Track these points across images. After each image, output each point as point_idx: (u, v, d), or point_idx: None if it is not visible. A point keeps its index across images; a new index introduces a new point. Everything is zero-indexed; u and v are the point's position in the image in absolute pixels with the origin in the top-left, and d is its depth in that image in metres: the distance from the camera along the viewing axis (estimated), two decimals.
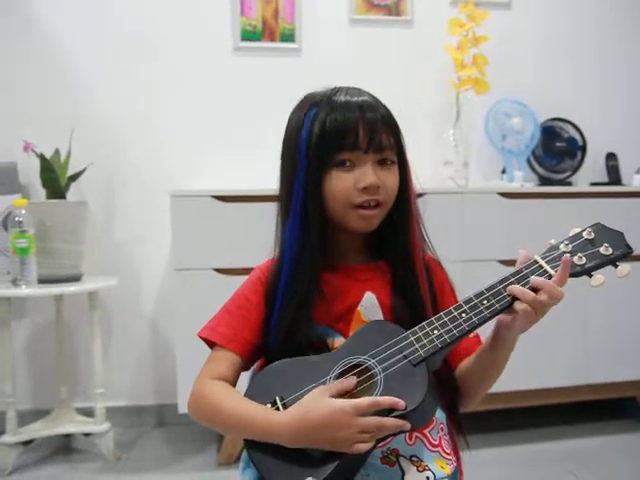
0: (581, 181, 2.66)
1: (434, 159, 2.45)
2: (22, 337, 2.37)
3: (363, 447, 0.79)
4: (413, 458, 0.87)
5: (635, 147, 2.71)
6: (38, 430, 2.11)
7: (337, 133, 0.89)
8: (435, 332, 0.84)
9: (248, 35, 2.47)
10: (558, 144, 2.65)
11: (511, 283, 0.84)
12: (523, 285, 0.83)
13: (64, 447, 2.24)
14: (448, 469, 0.89)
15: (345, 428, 0.78)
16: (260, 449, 0.84)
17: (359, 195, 0.90)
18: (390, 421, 0.79)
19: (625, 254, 0.84)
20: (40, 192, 2.18)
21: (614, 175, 2.66)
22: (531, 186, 2.40)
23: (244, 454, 0.91)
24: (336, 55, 2.47)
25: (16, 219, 1.95)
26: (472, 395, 0.96)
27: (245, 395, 0.89)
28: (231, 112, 2.44)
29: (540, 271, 0.85)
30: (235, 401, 0.88)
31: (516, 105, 2.53)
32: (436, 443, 0.91)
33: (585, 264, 0.84)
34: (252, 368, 0.99)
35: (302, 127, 0.92)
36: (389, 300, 0.94)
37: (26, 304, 2.36)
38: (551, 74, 2.66)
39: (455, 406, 0.96)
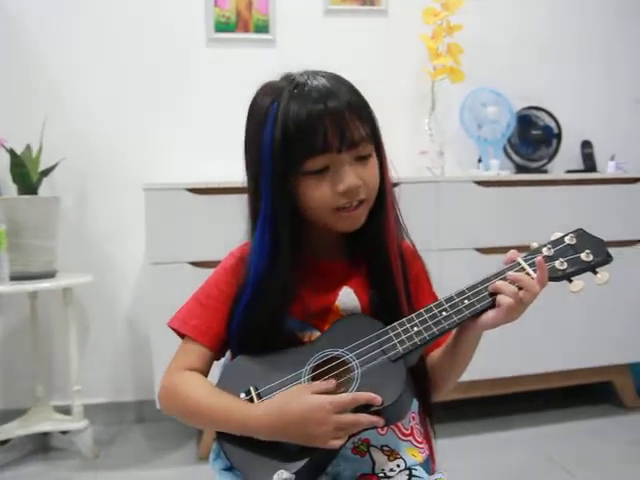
0: (557, 169, 2.68)
1: (410, 148, 2.45)
2: None
3: (337, 443, 0.78)
4: (384, 448, 0.87)
5: (610, 135, 2.73)
6: (14, 429, 2.08)
7: (303, 138, 0.82)
8: (415, 329, 0.84)
9: (222, 26, 2.45)
10: (534, 132, 2.66)
11: (493, 284, 0.84)
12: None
13: (42, 446, 2.22)
14: (420, 457, 0.89)
15: (321, 425, 0.77)
16: (232, 441, 0.84)
17: (340, 198, 0.85)
18: (365, 417, 0.78)
19: (605, 261, 0.85)
20: (11, 187, 2.14)
21: (589, 163, 2.68)
22: (507, 174, 2.41)
23: (214, 445, 0.90)
24: (310, 46, 2.46)
25: None
26: (440, 386, 0.95)
27: (218, 383, 0.88)
28: (205, 104, 2.41)
29: (522, 273, 0.84)
30: (209, 393, 0.86)
31: (491, 94, 2.53)
32: (407, 432, 0.91)
33: (566, 269, 0.85)
34: (225, 357, 0.97)
35: (263, 133, 0.84)
36: (366, 294, 0.93)
37: None
38: (526, 63, 2.67)
39: (427, 395, 0.96)
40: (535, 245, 0.88)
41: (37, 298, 2.20)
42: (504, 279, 0.84)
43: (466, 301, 0.84)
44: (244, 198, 0.96)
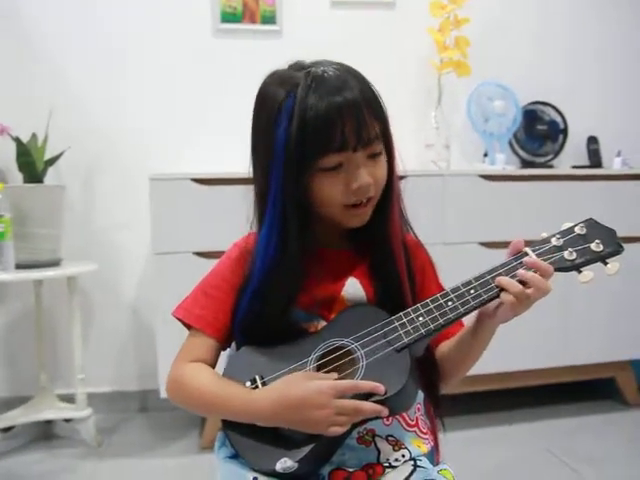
0: (562, 164, 2.67)
1: (416, 142, 2.45)
2: (1, 324, 2.34)
3: (339, 430, 0.78)
4: (389, 438, 0.87)
5: (616, 130, 2.72)
6: (18, 417, 2.09)
7: (321, 136, 0.81)
8: (420, 319, 0.84)
9: (228, 17, 2.44)
10: (540, 127, 2.65)
11: (500, 274, 0.84)
12: (511, 277, 0.83)
13: (45, 434, 2.23)
14: (424, 448, 0.89)
15: (321, 408, 0.77)
16: (237, 430, 0.84)
17: (350, 197, 0.86)
18: (368, 405, 0.78)
19: (616, 252, 0.83)
20: (17, 176, 2.14)
21: (595, 158, 2.66)
22: (513, 169, 2.41)
23: (219, 433, 0.91)
24: (317, 37, 2.45)
25: None
26: (449, 378, 0.96)
27: (224, 373, 0.88)
28: (211, 95, 2.41)
29: (531, 272, 0.82)
30: (213, 381, 0.87)
31: (498, 88, 2.52)
32: (413, 423, 0.91)
33: (575, 259, 0.83)
34: (230, 347, 0.98)
35: (276, 128, 0.83)
36: (371, 285, 0.93)
37: (4, 290, 2.34)
38: (533, 57, 2.66)
39: (434, 387, 0.96)
40: (544, 235, 0.87)
41: (42, 286, 2.20)
42: (514, 276, 0.82)
43: (472, 291, 0.84)
44: (249, 189, 0.96)
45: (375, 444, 0.86)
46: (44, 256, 2.04)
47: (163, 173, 2.05)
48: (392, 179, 0.91)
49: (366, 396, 0.79)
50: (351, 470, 0.84)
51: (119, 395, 2.43)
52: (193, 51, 2.40)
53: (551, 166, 2.64)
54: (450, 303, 0.84)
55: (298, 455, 0.79)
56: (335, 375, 0.82)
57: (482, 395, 2.31)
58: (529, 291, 0.81)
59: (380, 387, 0.78)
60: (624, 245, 0.85)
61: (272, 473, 0.80)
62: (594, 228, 0.86)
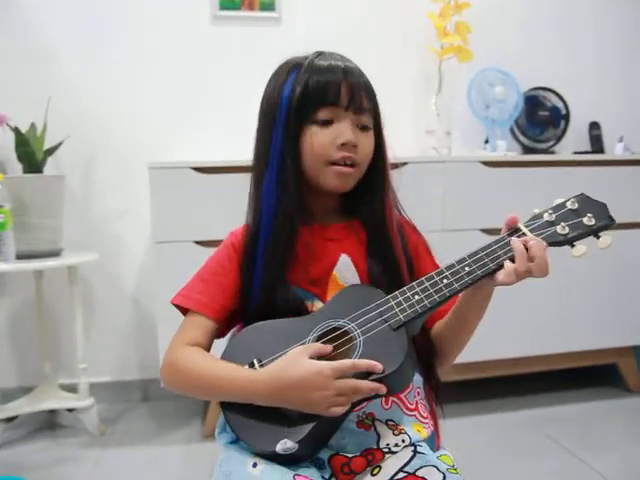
0: (564, 150, 2.66)
1: (417, 128, 2.43)
2: (3, 315, 2.35)
3: (338, 410, 0.79)
4: (389, 422, 0.87)
5: (618, 116, 2.70)
6: (21, 406, 2.10)
7: (319, 90, 0.90)
8: (416, 297, 0.84)
9: (227, 4, 2.42)
10: (541, 113, 2.64)
11: (494, 251, 0.84)
12: (506, 252, 0.83)
13: (49, 423, 2.24)
14: (424, 432, 0.89)
15: (321, 389, 0.78)
16: (236, 411, 0.84)
17: (336, 151, 0.91)
18: (366, 384, 0.79)
19: (608, 225, 0.84)
20: (16, 166, 2.14)
21: (597, 144, 2.65)
22: (514, 155, 2.40)
23: (220, 418, 0.91)
24: (316, 24, 2.43)
25: None
26: (445, 356, 0.96)
27: (223, 356, 0.89)
28: (209, 82, 2.40)
29: (522, 239, 0.84)
30: (210, 363, 0.87)
31: (499, 74, 2.50)
32: (412, 407, 0.91)
33: (568, 234, 0.84)
34: (231, 332, 0.98)
35: (283, 88, 0.92)
36: (364, 262, 0.94)
37: (5, 281, 2.34)
38: (534, 43, 2.64)
39: (432, 370, 0.96)
40: (537, 210, 0.88)
41: (43, 277, 2.20)
42: (509, 251, 0.83)
43: (467, 268, 0.84)
44: (249, 177, 0.98)
45: (375, 428, 0.86)
46: (44, 246, 2.04)
47: (163, 161, 2.04)
48: (384, 160, 0.97)
49: (364, 375, 0.79)
50: (350, 456, 0.84)
51: (121, 384, 2.44)
52: (192, 39, 2.39)
53: (553, 152, 2.62)
54: (445, 280, 0.84)
55: (298, 436, 0.80)
56: (330, 347, 0.83)
57: (482, 382, 2.31)
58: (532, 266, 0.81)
59: (378, 365, 0.79)
60: (628, 231, 0.84)
61: (272, 455, 0.80)
62: (585, 203, 0.87)
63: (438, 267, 0.93)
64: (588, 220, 0.85)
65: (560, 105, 2.65)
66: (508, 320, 2.13)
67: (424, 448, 0.86)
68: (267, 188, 0.92)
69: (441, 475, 0.79)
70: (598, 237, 0.85)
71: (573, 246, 0.85)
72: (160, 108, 2.37)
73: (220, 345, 0.94)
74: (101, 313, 2.41)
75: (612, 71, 2.72)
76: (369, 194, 0.96)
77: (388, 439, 0.86)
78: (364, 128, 0.93)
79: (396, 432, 0.87)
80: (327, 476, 0.84)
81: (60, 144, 2.14)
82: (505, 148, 2.41)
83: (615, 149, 2.54)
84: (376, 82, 0.96)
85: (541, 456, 1.92)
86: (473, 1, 2.39)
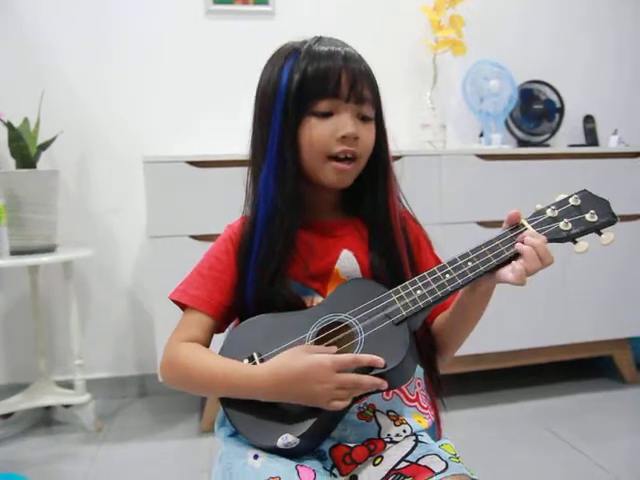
0: (559, 143, 2.67)
1: (412, 122, 2.43)
2: None
3: (340, 404, 0.78)
4: (390, 413, 0.87)
5: (612, 109, 2.71)
6: (17, 403, 2.09)
7: (318, 80, 0.87)
8: (418, 292, 0.84)
9: None
10: (536, 106, 2.64)
11: (496, 246, 0.84)
12: (509, 248, 0.83)
13: (45, 420, 2.23)
14: (425, 423, 0.89)
15: (322, 382, 0.77)
16: (236, 406, 0.84)
17: (336, 145, 0.88)
18: (367, 379, 0.78)
19: (611, 222, 0.85)
20: (10, 162, 2.12)
21: (591, 137, 2.66)
22: (509, 148, 2.40)
23: (219, 412, 0.90)
24: (310, 18, 2.42)
25: None
26: (444, 350, 0.96)
27: (222, 350, 0.88)
28: (203, 76, 2.39)
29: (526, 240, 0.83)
30: (210, 359, 0.86)
31: (494, 67, 2.50)
32: (413, 398, 0.90)
33: (571, 230, 0.84)
34: (229, 328, 0.97)
35: (280, 75, 0.89)
36: (366, 258, 0.93)
37: (0, 277, 2.32)
38: (529, 36, 2.64)
39: (432, 364, 0.96)
40: (539, 206, 0.88)
41: (37, 273, 2.19)
42: (512, 247, 0.83)
43: (470, 263, 0.84)
44: (244, 171, 0.97)
45: (376, 419, 0.86)
46: (39, 242, 2.03)
47: (158, 156, 2.03)
48: (386, 152, 0.94)
49: (365, 370, 0.79)
50: (352, 446, 0.84)
51: (118, 380, 2.43)
52: (185, 33, 2.38)
53: (547, 145, 2.63)
54: (448, 275, 0.84)
55: (299, 430, 0.79)
56: (335, 349, 0.82)
57: (480, 374, 2.32)
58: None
59: (380, 360, 0.79)
60: (622, 223, 0.85)
61: (273, 449, 0.80)
62: (588, 199, 0.87)
63: (439, 260, 0.93)
64: (591, 217, 0.85)
65: (554, 98, 2.65)
66: (505, 313, 2.13)
67: (425, 438, 0.86)
68: (264, 183, 0.90)
69: (444, 463, 0.79)
70: (600, 234, 0.85)
71: (575, 242, 0.85)
72: (154, 102, 2.36)
73: (220, 339, 0.94)
74: (97, 308, 2.40)
75: (606, 64, 2.73)
76: (371, 188, 0.94)
77: (389, 430, 0.85)
78: (365, 119, 0.90)
79: (397, 423, 0.86)
80: (329, 467, 0.83)
81: (54, 139, 2.12)
82: (500, 141, 2.41)
83: (609, 142, 2.54)
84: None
85: (539, 447, 1.92)
86: None
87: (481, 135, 2.51)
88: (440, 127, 2.40)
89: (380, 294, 0.85)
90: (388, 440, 0.85)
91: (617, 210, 0.86)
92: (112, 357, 2.43)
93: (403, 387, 0.89)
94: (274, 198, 0.89)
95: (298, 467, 0.78)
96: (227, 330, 0.97)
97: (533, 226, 0.85)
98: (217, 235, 0.99)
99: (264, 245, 0.89)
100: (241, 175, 0.99)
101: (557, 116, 2.65)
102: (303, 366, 0.78)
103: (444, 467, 0.79)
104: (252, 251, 0.90)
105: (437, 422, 0.95)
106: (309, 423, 0.79)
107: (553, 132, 2.65)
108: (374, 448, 0.84)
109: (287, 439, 0.78)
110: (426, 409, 0.92)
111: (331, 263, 0.93)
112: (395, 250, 0.92)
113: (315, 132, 0.88)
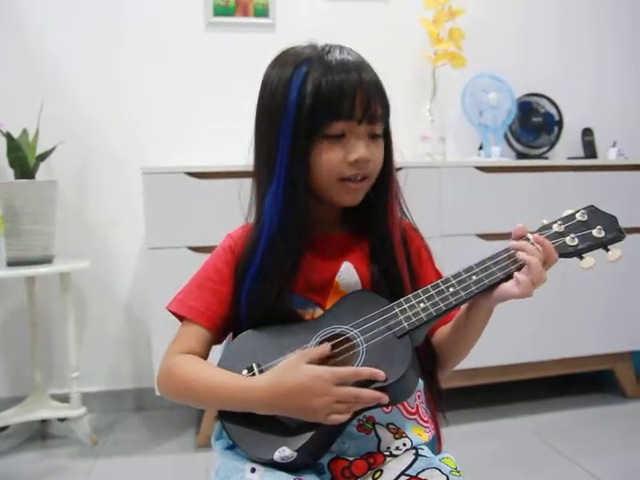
0: (557, 156, 2.67)
1: (411, 134, 2.43)
2: None
3: (339, 418, 0.76)
4: (390, 426, 0.86)
5: (611, 122, 2.71)
6: (12, 416, 2.07)
7: (333, 99, 0.83)
8: (421, 305, 0.83)
9: (221, 10, 2.42)
10: (535, 119, 2.65)
11: (502, 260, 0.83)
12: (513, 262, 0.82)
13: (40, 433, 2.20)
14: (425, 436, 0.88)
15: (321, 396, 0.76)
16: (233, 419, 0.82)
17: (348, 168, 0.86)
18: (368, 392, 0.76)
19: (618, 238, 0.84)
20: (8, 172, 2.12)
21: (590, 150, 2.66)
22: (508, 160, 2.40)
23: (217, 425, 0.89)
24: (310, 30, 2.39)
25: None
26: (446, 364, 0.94)
27: (221, 359, 0.87)
28: (203, 88, 2.39)
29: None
30: (207, 371, 0.85)
31: (493, 80, 2.51)
32: (413, 411, 0.89)
33: (577, 245, 0.84)
34: (226, 339, 0.96)
35: (289, 87, 0.85)
36: (367, 271, 0.92)
37: None
38: (528, 49, 2.65)
39: (433, 377, 0.95)
40: (545, 221, 0.87)
41: (35, 284, 2.17)
42: (516, 261, 0.82)
43: (474, 277, 0.83)
44: (243, 182, 0.96)
45: (375, 432, 0.84)
46: (36, 253, 2.02)
47: (156, 167, 2.03)
48: (390, 165, 0.93)
49: (366, 384, 0.77)
50: (351, 459, 0.83)
51: (114, 394, 2.40)
52: (186, 45, 2.38)
53: (546, 158, 2.63)
54: (452, 288, 0.83)
55: (297, 444, 0.78)
56: (328, 346, 0.81)
57: (479, 388, 2.30)
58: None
59: (380, 373, 0.77)
60: None
61: (270, 463, 0.78)
62: (595, 214, 0.87)
63: (439, 273, 0.91)
64: (598, 232, 0.84)
65: (553, 111, 2.65)
66: (504, 326, 2.11)
67: (426, 451, 0.84)
68: (272, 200, 0.87)
69: (444, 477, 0.78)
70: (607, 250, 0.84)
71: (582, 258, 0.84)
72: (154, 113, 2.36)
73: (219, 349, 0.93)
74: (94, 321, 2.38)
75: (605, 77, 2.74)
76: (373, 205, 0.92)
77: (389, 443, 0.84)
78: (376, 137, 0.88)
79: (397, 436, 0.85)
80: None
81: (53, 149, 2.12)
82: (499, 154, 2.42)
83: (609, 154, 2.54)
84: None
85: (538, 462, 1.90)
86: (467, 8, 2.40)
87: (480, 148, 2.51)
88: (439, 139, 2.41)
89: (382, 307, 0.84)
90: (388, 454, 0.83)
91: None
92: (109, 370, 2.41)
93: None
94: (282, 216, 0.87)
95: None
96: (225, 342, 0.96)
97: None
98: (216, 247, 0.97)
99: (267, 261, 0.87)
100: (240, 187, 0.98)
101: (556, 129, 2.66)
102: (300, 378, 0.77)
103: None
104: (252, 264, 0.88)
105: (437, 436, 0.93)
106: (307, 436, 0.78)
107: (552, 145, 2.65)
108: (374, 462, 0.82)
109: (284, 452, 0.77)
110: (426, 422, 0.91)
111: (331, 275, 0.91)
112: (395, 265, 0.91)
113: (326, 156, 0.86)
